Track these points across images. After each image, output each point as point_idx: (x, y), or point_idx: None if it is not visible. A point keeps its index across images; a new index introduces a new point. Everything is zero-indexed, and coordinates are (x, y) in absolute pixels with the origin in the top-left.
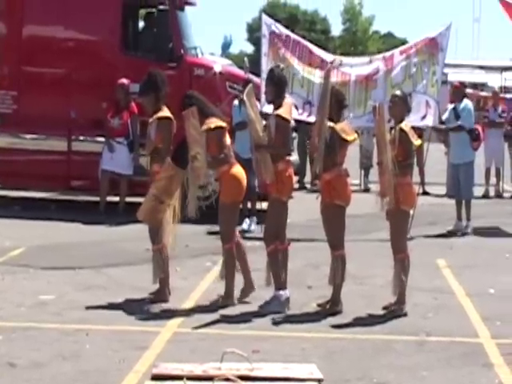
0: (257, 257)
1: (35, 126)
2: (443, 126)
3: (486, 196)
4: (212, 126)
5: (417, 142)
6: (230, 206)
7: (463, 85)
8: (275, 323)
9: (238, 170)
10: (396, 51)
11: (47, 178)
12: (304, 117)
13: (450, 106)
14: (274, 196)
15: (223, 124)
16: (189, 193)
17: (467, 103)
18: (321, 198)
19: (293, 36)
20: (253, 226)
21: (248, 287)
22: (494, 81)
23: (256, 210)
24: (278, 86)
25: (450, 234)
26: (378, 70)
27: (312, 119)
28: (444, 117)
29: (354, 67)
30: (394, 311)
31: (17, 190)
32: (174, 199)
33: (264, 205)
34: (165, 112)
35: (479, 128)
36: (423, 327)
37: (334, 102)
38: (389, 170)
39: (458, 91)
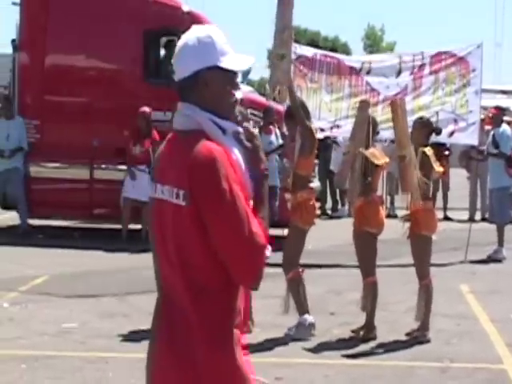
0: (275, 284)
1: (58, 154)
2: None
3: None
4: None
5: (439, 168)
6: None
7: (502, 110)
8: (298, 350)
9: None
10: (426, 67)
11: (70, 206)
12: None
13: (492, 131)
14: (296, 224)
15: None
16: None
17: (505, 129)
18: (353, 223)
19: (320, 52)
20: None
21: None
22: None
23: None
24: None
25: (489, 260)
26: (406, 90)
27: (339, 135)
28: (487, 141)
29: (382, 80)
30: (418, 337)
31: (39, 218)
32: None
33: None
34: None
35: None
36: (447, 353)
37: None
38: (412, 164)
39: (497, 116)
